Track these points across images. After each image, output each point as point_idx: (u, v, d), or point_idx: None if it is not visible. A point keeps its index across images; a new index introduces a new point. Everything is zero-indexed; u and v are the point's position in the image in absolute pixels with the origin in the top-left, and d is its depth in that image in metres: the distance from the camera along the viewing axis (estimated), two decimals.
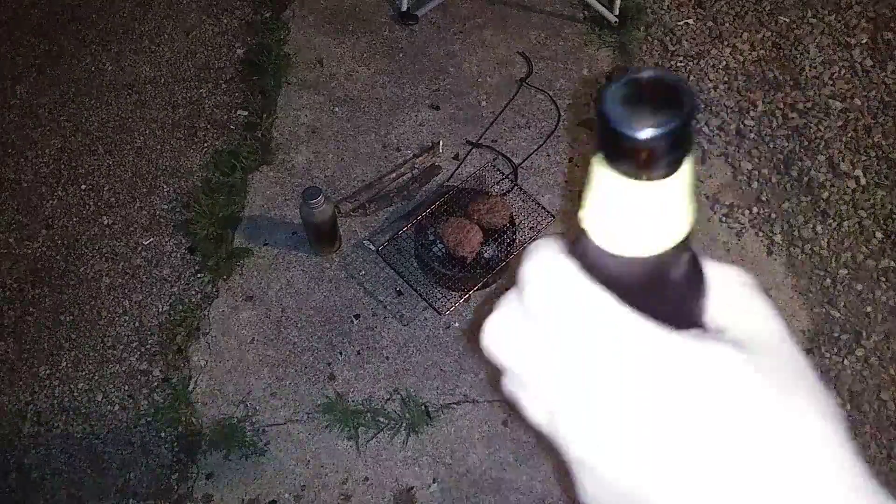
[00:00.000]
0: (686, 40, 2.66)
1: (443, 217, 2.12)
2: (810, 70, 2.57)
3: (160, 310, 2.13)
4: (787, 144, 2.41)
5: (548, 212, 2.23)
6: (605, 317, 0.29)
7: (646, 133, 0.26)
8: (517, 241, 2.11)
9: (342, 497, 1.84)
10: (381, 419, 1.93)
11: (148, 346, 2.07)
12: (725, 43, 2.65)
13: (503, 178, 2.33)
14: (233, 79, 2.61)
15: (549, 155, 2.39)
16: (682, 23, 2.72)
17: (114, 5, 2.83)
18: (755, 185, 2.34)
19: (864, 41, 2.64)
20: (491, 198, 2.11)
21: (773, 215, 2.27)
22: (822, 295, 2.14)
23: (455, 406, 1.96)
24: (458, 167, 2.37)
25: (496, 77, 2.58)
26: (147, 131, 2.50)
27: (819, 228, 2.25)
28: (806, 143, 2.41)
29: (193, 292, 2.15)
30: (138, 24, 2.77)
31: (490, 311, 0.33)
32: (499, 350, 0.33)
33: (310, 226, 2.04)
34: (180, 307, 2.12)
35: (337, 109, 2.50)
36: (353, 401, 1.96)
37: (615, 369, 0.28)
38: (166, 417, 1.95)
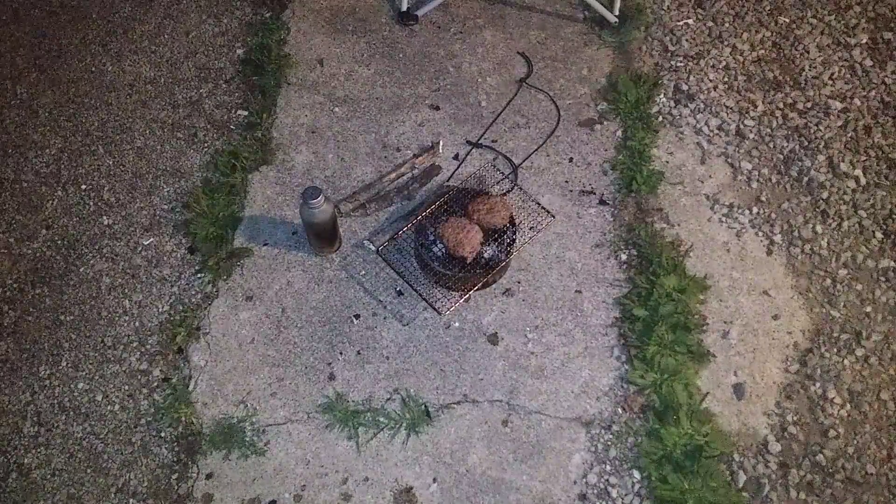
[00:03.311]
0: (686, 40, 2.66)
1: (443, 217, 2.12)
2: (810, 70, 2.57)
3: (160, 310, 2.13)
4: (787, 144, 2.41)
5: (548, 212, 2.23)
6: None
7: None
8: (517, 241, 2.11)
9: (342, 497, 1.84)
10: (381, 419, 1.93)
11: (148, 346, 2.07)
12: (725, 43, 2.65)
13: (503, 178, 2.33)
14: (233, 79, 2.61)
15: (549, 155, 2.39)
16: (682, 23, 2.72)
17: (114, 5, 2.84)
18: (755, 185, 2.34)
19: (864, 41, 2.64)
20: (491, 198, 2.11)
21: (773, 215, 2.28)
22: (822, 295, 2.14)
23: (455, 406, 1.96)
24: (458, 167, 2.37)
25: (496, 77, 2.58)
26: (147, 131, 2.50)
27: (819, 228, 2.25)
28: (806, 143, 2.41)
29: (193, 292, 2.16)
30: (138, 24, 2.77)
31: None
32: None
33: (310, 226, 2.04)
34: (180, 307, 2.13)
35: (337, 109, 2.50)
36: (353, 401, 1.96)
37: None
38: (166, 417, 1.95)
